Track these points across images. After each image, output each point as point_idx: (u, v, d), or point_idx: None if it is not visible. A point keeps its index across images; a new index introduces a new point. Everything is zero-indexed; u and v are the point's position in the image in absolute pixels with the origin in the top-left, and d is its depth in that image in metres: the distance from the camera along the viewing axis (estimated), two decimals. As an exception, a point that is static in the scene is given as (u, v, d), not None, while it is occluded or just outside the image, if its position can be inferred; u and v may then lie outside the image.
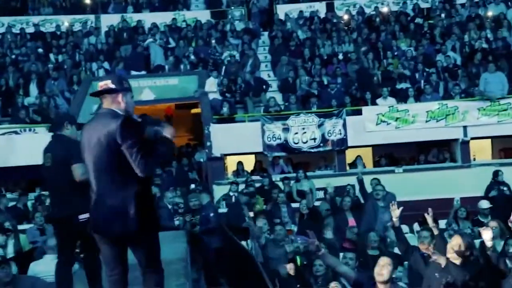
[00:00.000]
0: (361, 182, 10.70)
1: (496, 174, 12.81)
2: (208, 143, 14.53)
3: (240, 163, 14.88)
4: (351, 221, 10.20)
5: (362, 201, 11.47)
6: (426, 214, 7.28)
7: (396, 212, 7.52)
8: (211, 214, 9.60)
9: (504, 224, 8.65)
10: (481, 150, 16.53)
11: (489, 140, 16.56)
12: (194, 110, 18.68)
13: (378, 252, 8.55)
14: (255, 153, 15.55)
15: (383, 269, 5.62)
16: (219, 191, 14.00)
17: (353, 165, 15.20)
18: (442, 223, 12.00)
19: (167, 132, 4.36)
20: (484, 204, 10.60)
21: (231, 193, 12.83)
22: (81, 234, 5.16)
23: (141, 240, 4.28)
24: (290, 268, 6.29)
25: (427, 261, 6.95)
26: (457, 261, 5.92)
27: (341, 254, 8.04)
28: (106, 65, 17.63)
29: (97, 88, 4.35)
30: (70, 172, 5.30)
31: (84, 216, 5.00)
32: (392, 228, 7.66)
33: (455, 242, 5.94)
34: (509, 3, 20.16)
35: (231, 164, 15.86)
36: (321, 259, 5.92)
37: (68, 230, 5.36)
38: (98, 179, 4.28)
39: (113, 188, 4.21)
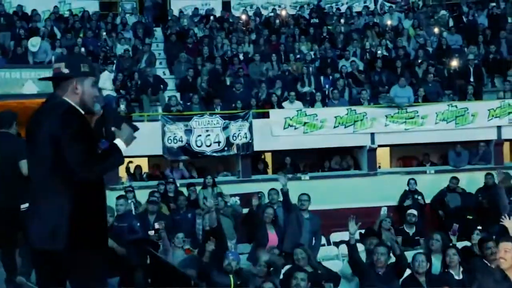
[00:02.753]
0: (285, 193, 9.78)
1: (409, 183, 12.51)
2: (102, 144, 13.09)
3: (138, 167, 13.57)
4: (272, 236, 9.29)
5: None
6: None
7: (353, 227, 6.78)
8: (138, 224, 8.38)
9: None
10: (380, 159, 16.31)
11: (388, 148, 16.37)
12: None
13: (311, 269, 7.73)
14: (153, 156, 14.29)
15: None
16: (113, 197, 12.60)
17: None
18: (358, 234, 11.53)
19: (123, 136, 3.71)
20: (414, 212, 10.20)
21: (128, 201, 11.49)
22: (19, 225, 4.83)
23: (77, 262, 3.48)
24: None
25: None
26: None
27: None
28: (-20, 52, 15.68)
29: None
30: (17, 167, 5.66)
31: (25, 206, 4.92)
32: (347, 245, 6.91)
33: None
34: (404, 14, 20.37)
35: (121, 167, 14.48)
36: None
37: (8, 220, 5.63)
38: (34, 182, 3.60)
39: (48, 193, 3.49)
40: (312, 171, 15.11)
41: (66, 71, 3.63)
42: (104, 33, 17.34)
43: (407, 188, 12.73)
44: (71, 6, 19.65)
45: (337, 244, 11.02)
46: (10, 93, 14.64)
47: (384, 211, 10.28)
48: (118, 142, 3.69)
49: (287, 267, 7.97)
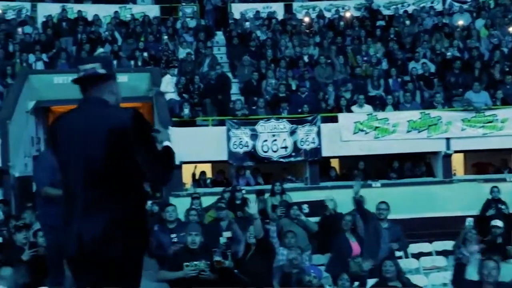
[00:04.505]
0: (358, 201, 9.12)
1: (492, 191, 11.65)
2: (166, 149, 12.67)
3: (203, 173, 13.12)
4: (354, 246, 8.65)
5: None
6: None
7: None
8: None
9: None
10: (454, 165, 15.43)
11: (462, 154, 15.48)
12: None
13: (400, 285, 7.06)
14: (217, 162, 13.83)
15: None
16: (177, 204, 12.13)
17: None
18: (438, 245, 10.78)
19: (165, 138, 3.47)
20: (499, 223, 9.38)
21: (194, 208, 10.94)
22: None
23: (130, 267, 3.26)
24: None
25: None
26: None
27: None
28: (44, 57, 15.57)
29: (79, 73, 3.34)
30: None
31: None
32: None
33: None
34: (474, 14, 19.45)
35: (187, 173, 14.05)
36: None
37: None
38: (89, 186, 3.19)
39: (111, 196, 3.19)
40: (382, 178, 14.35)
41: (103, 71, 3.34)
42: (166, 37, 17.04)
43: (489, 197, 11.85)
44: (131, 11, 19.49)
45: (416, 256, 10.26)
46: (73, 98, 14.46)
47: (469, 222, 9.44)
48: (167, 143, 3.45)
49: (371, 281, 7.32)
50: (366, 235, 8.82)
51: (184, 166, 13.21)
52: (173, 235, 7.94)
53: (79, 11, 18.33)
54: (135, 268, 3.32)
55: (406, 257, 10.31)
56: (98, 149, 3.16)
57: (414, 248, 10.66)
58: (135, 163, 3.22)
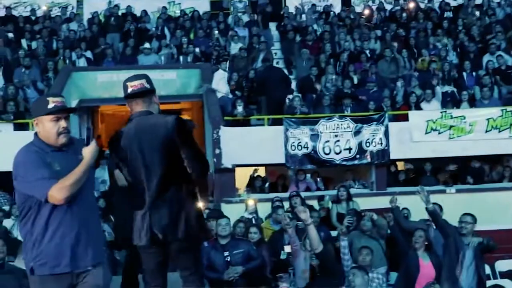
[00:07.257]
0: (432, 213, 7.73)
1: None
2: (217, 151, 11.57)
3: (258, 177, 11.97)
4: (426, 267, 7.28)
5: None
6: None
7: None
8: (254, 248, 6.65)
9: None
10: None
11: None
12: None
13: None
14: (273, 165, 12.65)
15: None
16: (229, 211, 11.00)
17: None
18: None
19: None
20: None
21: (247, 215, 9.77)
22: None
23: (192, 246, 4.01)
24: None
25: None
26: None
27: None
28: (88, 54, 14.69)
29: (128, 89, 4.00)
30: None
31: None
32: None
33: None
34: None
35: (242, 177, 12.91)
36: None
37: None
38: (154, 184, 3.86)
39: (172, 191, 3.88)
40: (456, 183, 12.91)
41: (148, 86, 3.99)
42: (216, 32, 15.98)
43: None
44: (180, 6, 18.58)
45: (506, 275, 8.87)
46: (118, 97, 13.53)
47: None
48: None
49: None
50: (445, 255, 7.45)
51: (237, 169, 12.09)
52: (226, 253, 6.82)
53: (128, 6, 17.49)
54: (196, 245, 4.07)
55: (495, 277, 8.96)
56: (156, 153, 3.81)
57: (502, 265, 9.27)
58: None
